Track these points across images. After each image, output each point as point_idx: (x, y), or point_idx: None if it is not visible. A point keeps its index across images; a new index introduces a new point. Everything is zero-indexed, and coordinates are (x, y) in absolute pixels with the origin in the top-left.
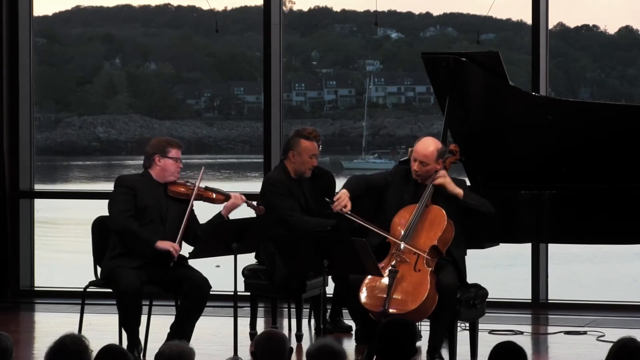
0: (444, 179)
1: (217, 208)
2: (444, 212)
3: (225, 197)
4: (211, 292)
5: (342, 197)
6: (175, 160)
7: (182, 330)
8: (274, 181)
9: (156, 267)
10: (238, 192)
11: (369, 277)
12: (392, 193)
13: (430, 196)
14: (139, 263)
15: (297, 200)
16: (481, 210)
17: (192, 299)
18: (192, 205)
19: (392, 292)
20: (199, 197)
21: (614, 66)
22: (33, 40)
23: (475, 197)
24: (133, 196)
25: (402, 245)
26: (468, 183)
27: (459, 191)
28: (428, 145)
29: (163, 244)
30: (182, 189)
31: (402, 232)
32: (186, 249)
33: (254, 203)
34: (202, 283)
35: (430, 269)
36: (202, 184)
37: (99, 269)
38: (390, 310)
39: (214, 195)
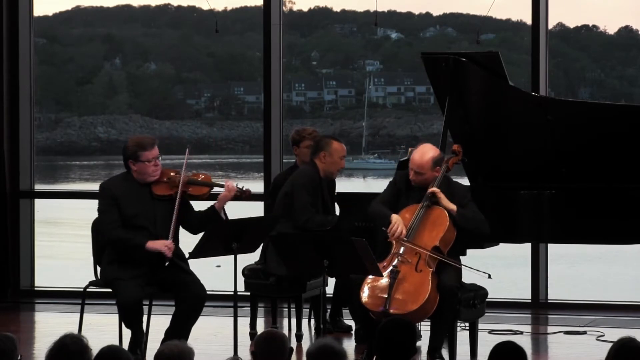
0: (438, 194)
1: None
2: (446, 212)
3: (210, 187)
4: (211, 292)
5: (399, 226)
6: (150, 161)
7: (176, 336)
8: (307, 176)
9: (155, 270)
10: (231, 182)
11: (370, 276)
12: (402, 202)
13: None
14: (137, 272)
15: (319, 200)
16: (471, 231)
17: (189, 305)
18: (179, 209)
19: (394, 293)
20: (185, 196)
21: (614, 66)
22: (33, 40)
23: (470, 215)
24: (117, 206)
25: (404, 245)
26: (468, 182)
27: (452, 207)
28: (423, 154)
29: (154, 245)
30: (166, 191)
31: (404, 232)
32: (187, 249)
33: (241, 187)
34: (199, 290)
35: (431, 269)
36: (188, 173)
37: (99, 269)
38: (391, 311)
39: (199, 192)
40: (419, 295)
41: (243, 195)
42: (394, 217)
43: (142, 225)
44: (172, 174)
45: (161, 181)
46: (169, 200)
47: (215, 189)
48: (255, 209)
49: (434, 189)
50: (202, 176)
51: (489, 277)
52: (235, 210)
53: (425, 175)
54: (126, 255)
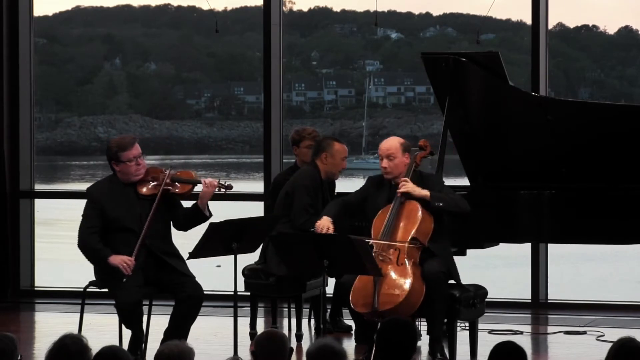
0: (406, 185)
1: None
2: (418, 205)
3: (194, 184)
4: (211, 292)
5: (322, 223)
6: (131, 161)
7: (175, 336)
8: (309, 177)
9: (151, 267)
10: (209, 179)
11: (357, 280)
12: (370, 203)
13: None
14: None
15: (319, 201)
16: (452, 211)
17: (187, 305)
18: (156, 211)
19: (379, 290)
20: (169, 195)
21: (614, 66)
22: (33, 40)
23: (446, 196)
24: (100, 210)
25: (382, 243)
26: (468, 182)
27: (425, 193)
28: (390, 140)
29: (114, 260)
30: (151, 190)
31: (380, 231)
32: (185, 249)
33: (223, 182)
34: (196, 290)
35: (412, 260)
36: (172, 171)
37: None
38: (380, 309)
39: (182, 189)
40: (402, 286)
41: (226, 191)
42: (322, 218)
43: (128, 227)
44: (156, 172)
45: (146, 180)
46: (154, 199)
47: (199, 187)
48: (255, 209)
49: (404, 187)
50: (185, 174)
51: (424, 246)
52: (236, 210)
53: (396, 160)
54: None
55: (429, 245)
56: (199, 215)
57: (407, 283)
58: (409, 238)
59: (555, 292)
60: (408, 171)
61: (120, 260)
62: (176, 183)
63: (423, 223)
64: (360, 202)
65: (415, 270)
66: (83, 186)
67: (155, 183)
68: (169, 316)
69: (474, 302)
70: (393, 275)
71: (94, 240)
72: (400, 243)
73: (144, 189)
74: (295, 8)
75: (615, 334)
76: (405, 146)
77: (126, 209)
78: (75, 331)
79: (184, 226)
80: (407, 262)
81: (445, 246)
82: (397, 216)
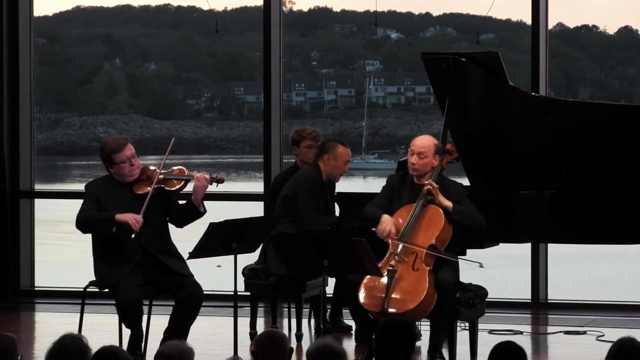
0: (433, 185)
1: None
2: (441, 211)
3: (186, 180)
4: (211, 292)
5: (387, 226)
6: (124, 162)
7: (175, 336)
8: (309, 178)
9: (149, 267)
10: (200, 173)
11: (368, 277)
12: (395, 201)
13: (426, 197)
14: (129, 266)
15: (321, 201)
16: (466, 225)
17: (186, 306)
18: (147, 208)
19: (391, 292)
20: (163, 195)
21: (614, 66)
22: (33, 40)
23: (466, 210)
24: (96, 203)
25: (400, 244)
26: (468, 182)
27: (448, 204)
28: (426, 137)
29: (123, 216)
30: (145, 189)
31: (400, 232)
32: (185, 249)
33: (215, 176)
34: (196, 290)
35: (428, 267)
36: (165, 170)
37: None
38: (390, 310)
39: (175, 186)
40: (416, 294)
41: (218, 184)
42: (383, 217)
43: (125, 227)
44: (150, 170)
45: (141, 179)
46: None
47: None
48: (255, 209)
49: (432, 183)
50: (177, 170)
51: (481, 265)
52: (236, 210)
53: (426, 160)
54: (110, 253)
55: (445, 254)
56: (193, 211)
57: (420, 291)
58: (429, 244)
59: (555, 292)
60: (434, 174)
61: (130, 217)
62: (169, 180)
63: (444, 230)
64: (389, 201)
65: (430, 277)
66: (83, 186)
67: (149, 182)
68: (169, 316)
69: (474, 302)
70: (408, 279)
71: (90, 212)
72: (419, 248)
73: (139, 189)
74: (295, 8)
75: (615, 334)
76: (437, 148)
77: (123, 209)
78: (75, 331)
79: (179, 222)
80: (423, 268)
81: (454, 254)
82: (419, 219)
